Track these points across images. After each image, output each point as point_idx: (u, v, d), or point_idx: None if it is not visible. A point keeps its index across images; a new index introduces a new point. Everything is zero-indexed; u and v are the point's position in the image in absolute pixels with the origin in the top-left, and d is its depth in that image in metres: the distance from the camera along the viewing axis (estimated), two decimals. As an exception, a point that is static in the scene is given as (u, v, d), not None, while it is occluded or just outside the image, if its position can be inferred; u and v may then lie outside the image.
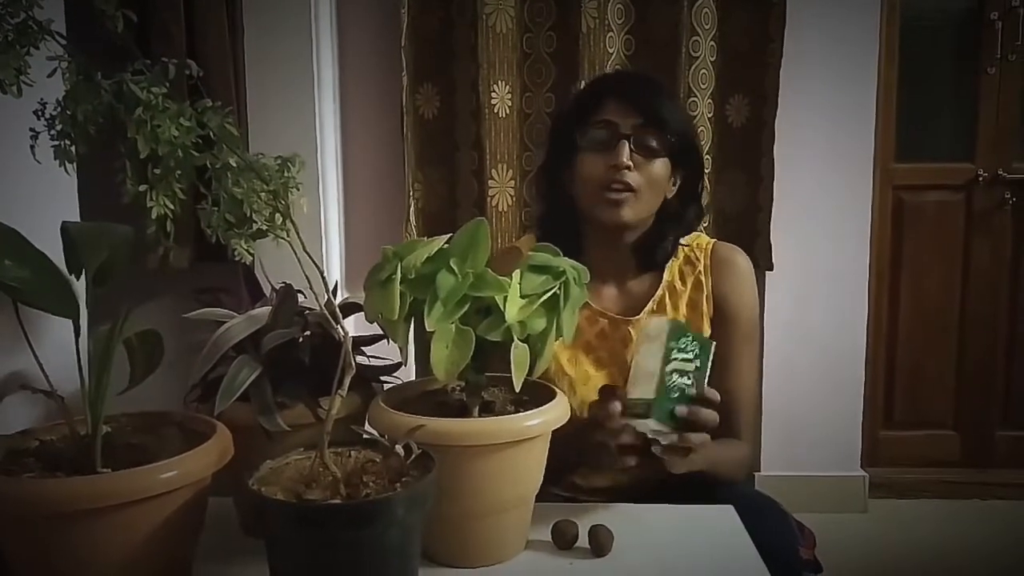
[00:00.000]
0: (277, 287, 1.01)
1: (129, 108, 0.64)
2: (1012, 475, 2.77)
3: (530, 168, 2.29)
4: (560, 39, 2.29)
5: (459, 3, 2.27)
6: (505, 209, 2.31)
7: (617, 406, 0.98)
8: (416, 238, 1.98)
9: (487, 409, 0.93)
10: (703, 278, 1.29)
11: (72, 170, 0.68)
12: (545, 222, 1.32)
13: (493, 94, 2.26)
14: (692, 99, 2.30)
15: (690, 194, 1.30)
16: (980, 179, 2.73)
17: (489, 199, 2.29)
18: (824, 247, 2.52)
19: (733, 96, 2.37)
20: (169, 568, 0.79)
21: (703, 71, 2.32)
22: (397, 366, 1.04)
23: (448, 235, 0.87)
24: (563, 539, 0.94)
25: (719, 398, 1.01)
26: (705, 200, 2.34)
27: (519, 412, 0.90)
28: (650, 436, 0.99)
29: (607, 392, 1.02)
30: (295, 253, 0.71)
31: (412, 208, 2.33)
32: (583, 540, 0.94)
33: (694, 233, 1.33)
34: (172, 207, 0.67)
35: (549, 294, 0.87)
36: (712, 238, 1.36)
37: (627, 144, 1.20)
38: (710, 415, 0.99)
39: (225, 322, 0.96)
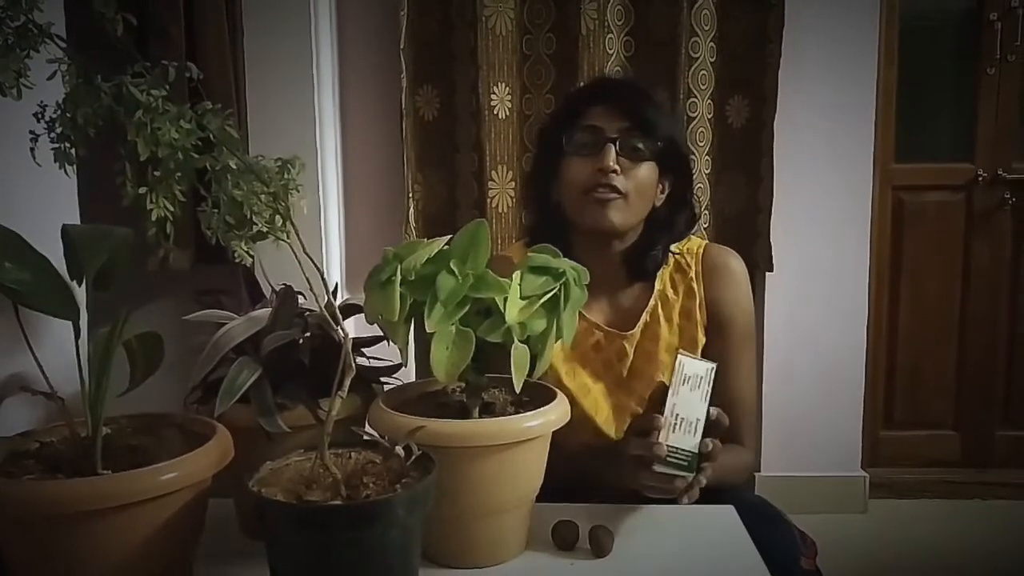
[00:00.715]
0: (277, 289, 1.01)
1: (129, 111, 0.64)
2: (1012, 475, 2.77)
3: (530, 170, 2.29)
4: (560, 41, 2.29)
5: (458, 5, 2.27)
6: (505, 210, 2.31)
7: (660, 420, 0.97)
8: (416, 239, 1.98)
9: (487, 410, 0.93)
10: (695, 285, 1.28)
11: (72, 172, 0.68)
12: (535, 231, 1.30)
13: (493, 96, 2.26)
14: (692, 100, 2.30)
15: (680, 200, 1.28)
16: (980, 179, 2.73)
17: (489, 200, 2.30)
18: (824, 248, 2.52)
19: (733, 97, 2.37)
20: (169, 570, 0.79)
21: (703, 72, 2.32)
22: (397, 367, 1.04)
23: (448, 236, 0.87)
24: (563, 540, 0.94)
25: (728, 422, 1.01)
26: (705, 201, 2.37)
27: (519, 413, 0.90)
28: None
29: (642, 425, 1.01)
30: (295, 255, 0.71)
31: (412, 210, 2.33)
32: (583, 541, 0.94)
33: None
34: (172, 209, 0.67)
35: (549, 295, 0.87)
36: (704, 240, 1.34)
37: (613, 147, 1.19)
38: (720, 448, 0.99)
39: (225, 324, 0.96)
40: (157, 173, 0.66)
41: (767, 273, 2.45)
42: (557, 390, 0.97)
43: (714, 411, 0.99)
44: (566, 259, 0.92)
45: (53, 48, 0.64)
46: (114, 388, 0.79)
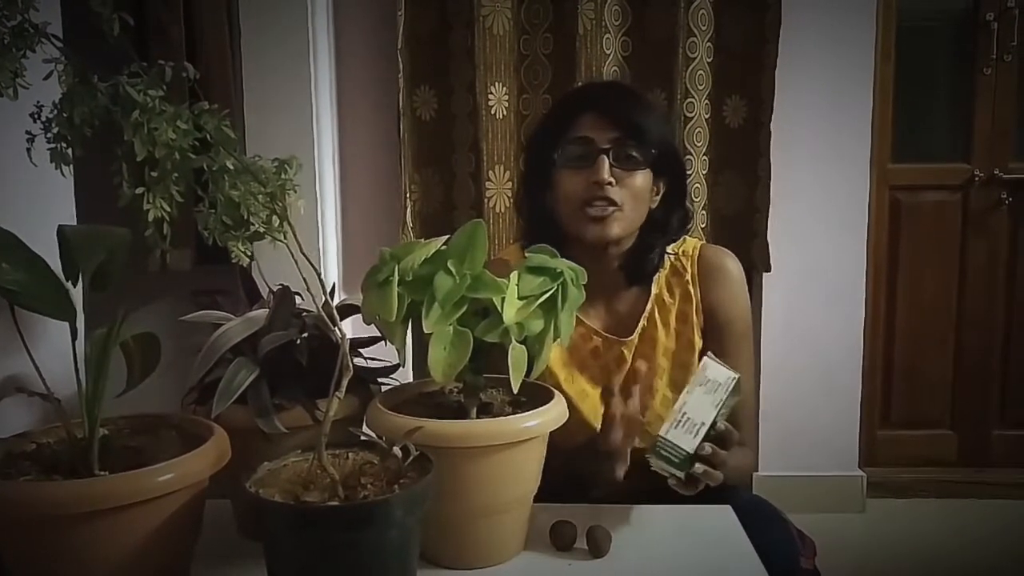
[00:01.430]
0: (274, 289, 1.01)
1: (126, 111, 0.64)
2: (1009, 474, 2.78)
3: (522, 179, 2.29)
4: (557, 41, 2.29)
5: (456, 5, 2.27)
6: (502, 211, 2.31)
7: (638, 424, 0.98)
8: (413, 240, 1.98)
9: (485, 411, 0.93)
10: (691, 288, 1.27)
11: (69, 173, 0.68)
12: (529, 237, 1.28)
13: (490, 96, 2.26)
14: (689, 100, 2.31)
15: (674, 201, 1.27)
16: (976, 179, 2.74)
17: (486, 201, 2.30)
18: (821, 248, 2.52)
19: (730, 97, 2.37)
20: (167, 571, 0.78)
21: (700, 72, 2.32)
22: (395, 368, 1.04)
23: (445, 237, 0.87)
24: (561, 540, 0.94)
25: (738, 438, 1.00)
26: (702, 202, 2.37)
27: (517, 413, 0.90)
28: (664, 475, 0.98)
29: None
30: (292, 255, 0.71)
31: (409, 210, 2.33)
32: (581, 541, 0.94)
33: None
34: (169, 210, 0.66)
35: (547, 295, 0.87)
36: (700, 240, 1.33)
37: (606, 159, 1.17)
38: (727, 458, 0.98)
39: (222, 324, 0.96)
40: (154, 173, 0.66)
41: (764, 273, 2.46)
42: (554, 390, 0.97)
43: (723, 425, 0.99)
44: (563, 259, 0.92)
45: (49, 48, 0.64)
46: (111, 389, 0.79)
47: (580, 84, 2.17)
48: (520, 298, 0.86)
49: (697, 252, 1.29)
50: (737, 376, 1.00)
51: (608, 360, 1.26)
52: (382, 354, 1.03)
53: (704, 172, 2.38)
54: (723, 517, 1.04)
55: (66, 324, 0.79)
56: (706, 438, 0.96)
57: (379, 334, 0.93)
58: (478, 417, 0.91)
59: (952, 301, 2.81)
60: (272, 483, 0.75)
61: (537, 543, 0.95)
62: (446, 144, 2.37)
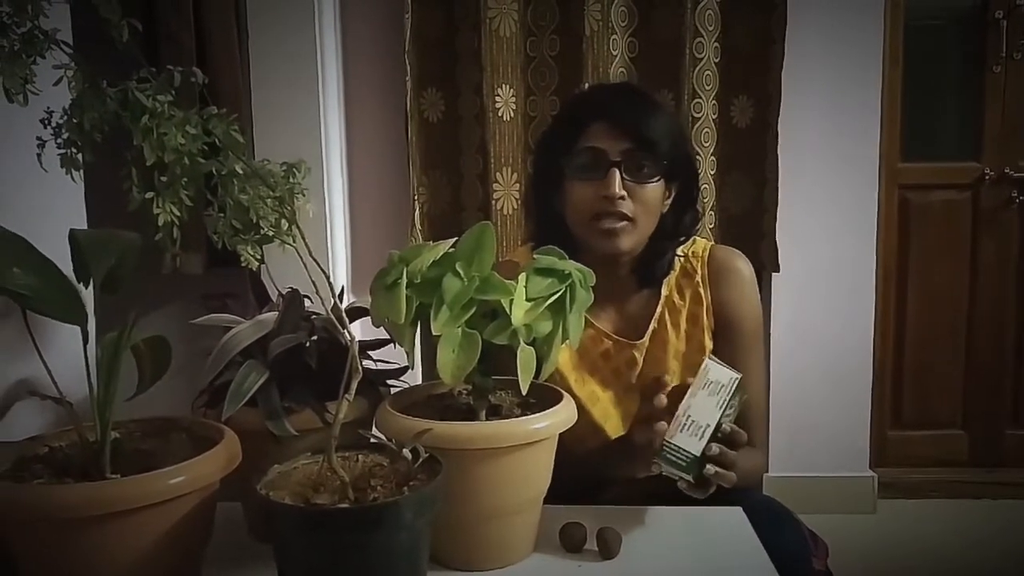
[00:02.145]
0: (284, 292, 1.01)
1: (135, 116, 0.64)
2: (1021, 475, 2.76)
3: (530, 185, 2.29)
4: (564, 42, 2.30)
5: (462, 7, 2.28)
6: (510, 212, 2.31)
7: (662, 399, 0.97)
8: (421, 242, 1.99)
9: (494, 412, 0.93)
10: (701, 290, 1.26)
11: (79, 178, 0.68)
12: (538, 239, 1.26)
13: (497, 98, 2.26)
14: (696, 101, 2.30)
15: (685, 202, 1.25)
16: (986, 178, 2.72)
17: (494, 203, 2.30)
18: (830, 248, 2.52)
19: (737, 97, 2.37)
20: (178, 573, 0.79)
21: (707, 72, 2.32)
22: (404, 370, 1.04)
23: (453, 239, 0.87)
24: (571, 542, 0.94)
25: (746, 438, 0.99)
26: (710, 202, 2.36)
27: (526, 415, 0.90)
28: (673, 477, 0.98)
29: (652, 389, 1.00)
30: (301, 258, 0.71)
31: (417, 212, 2.34)
32: (591, 542, 0.94)
33: (689, 238, 1.29)
34: (179, 214, 0.67)
35: (555, 297, 0.87)
36: (709, 240, 1.32)
37: (618, 172, 1.15)
38: (736, 458, 0.98)
39: (232, 327, 0.96)
40: (164, 178, 0.66)
41: (773, 274, 2.45)
42: (564, 392, 0.96)
43: (728, 427, 0.98)
44: (572, 261, 0.92)
45: (59, 54, 0.64)
46: (122, 392, 0.79)
47: (589, 86, 2.16)
48: (528, 300, 0.86)
49: (707, 253, 1.28)
50: (739, 376, 0.99)
51: (619, 363, 1.26)
52: (391, 356, 1.03)
53: (712, 173, 2.37)
54: (734, 518, 1.04)
55: (77, 328, 0.79)
56: (712, 439, 0.96)
57: (388, 336, 0.93)
58: (487, 419, 0.91)
59: (963, 300, 2.80)
60: (282, 485, 0.75)
61: (547, 545, 0.95)
62: (453, 146, 2.37)
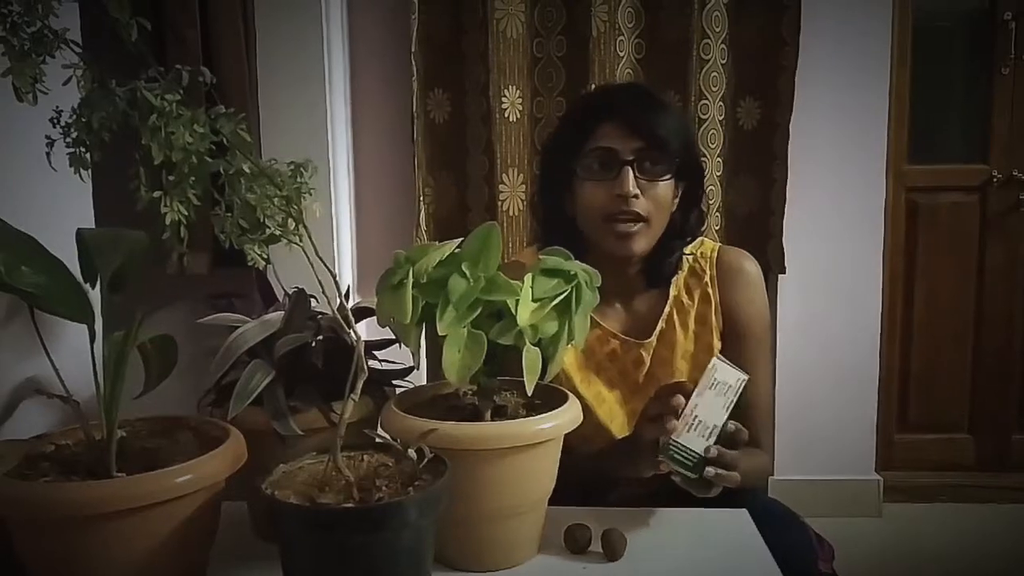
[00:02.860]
0: (290, 292, 1.02)
1: (143, 115, 0.64)
2: (1028, 479, 2.75)
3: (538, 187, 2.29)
4: (570, 43, 2.29)
5: (469, 8, 2.28)
6: (516, 213, 2.31)
7: (680, 399, 0.96)
8: (428, 242, 1.99)
9: (499, 413, 0.93)
10: (710, 290, 1.26)
11: (87, 177, 0.68)
12: (545, 240, 1.25)
13: (503, 99, 2.26)
14: (703, 102, 2.30)
15: (691, 201, 1.25)
16: (994, 180, 2.71)
17: (500, 204, 2.30)
18: (837, 250, 2.51)
19: (744, 99, 2.37)
20: (184, 571, 0.79)
21: (714, 74, 2.31)
22: (409, 370, 1.04)
23: (459, 239, 0.87)
24: (576, 543, 0.94)
25: (747, 436, 0.99)
26: (716, 204, 2.36)
27: (531, 416, 0.90)
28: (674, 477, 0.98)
29: (670, 390, 1.00)
30: (307, 258, 0.71)
31: (423, 213, 2.34)
32: (596, 544, 0.94)
33: (697, 239, 1.29)
34: (186, 213, 0.67)
35: (561, 298, 0.87)
36: (717, 242, 1.32)
37: (631, 171, 1.15)
38: (736, 457, 0.97)
39: (238, 327, 0.97)
40: (171, 177, 0.66)
41: (780, 275, 2.44)
42: (569, 393, 0.96)
43: (732, 425, 0.98)
44: (578, 262, 0.92)
45: (69, 53, 0.64)
46: (129, 391, 0.80)
47: (596, 87, 2.16)
48: (534, 300, 0.86)
49: (716, 254, 1.28)
50: (747, 377, 0.99)
51: (626, 362, 1.25)
52: (397, 356, 1.03)
53: (719, 174, 2.37)
54: (739, 520, 1.04)
55: (84, 327, 0.79)
56: (717, 440, 0.96)
57: (394, 337, 0.93)
58: (492, 419, 0.91)
59: (970, 303, 2.79)
60: (288, 485, 0.76)
61: (552, 546, 0.95)
62: (460, 147, 2.37)
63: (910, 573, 2.27)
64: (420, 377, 1.06)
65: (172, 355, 0.92)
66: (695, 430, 0.96)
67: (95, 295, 0.82)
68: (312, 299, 1.00)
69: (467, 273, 0.84)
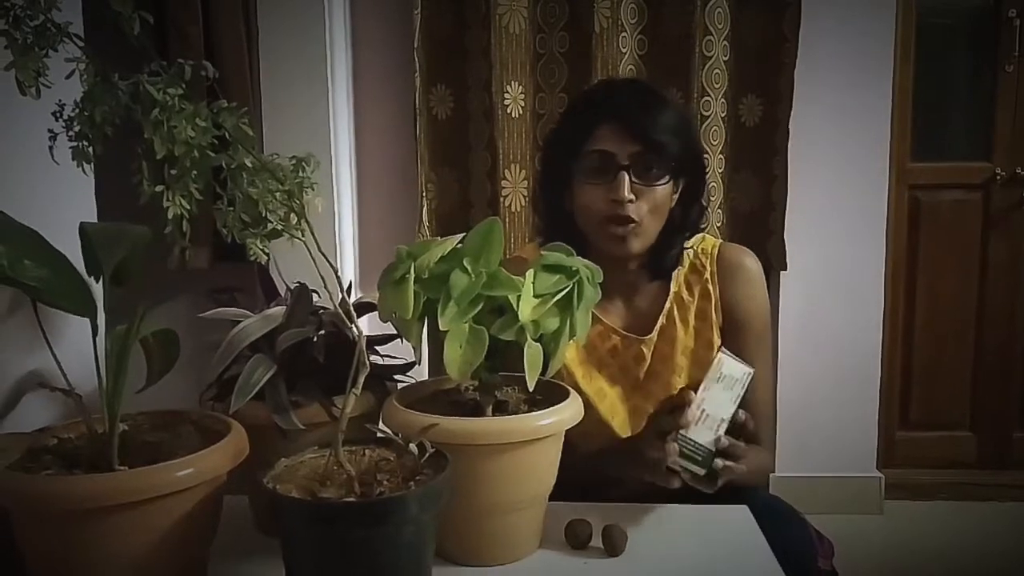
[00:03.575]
0: (292, 286, 1.02)
1: (146, 109, 0.65)
2: (1030, 477, 2.75)
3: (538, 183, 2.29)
4: (573, 39, 2.29)
5: (472, 4, 2.27)
6: (518, 209, 2.31)
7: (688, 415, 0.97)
8: (429, 238, 1.99)
9: (500, 408, 0.93)
10: (710, 286, 1.26)
11: (90, 171, 0.68)
12: (546, 236, 1.26)
13: (506, 95, 2.26)
14: (706, 99, 2.30)
15: (692, 196, 1.25)
16: (998, 178, 2.71)
17: (502, 199, 2.30)
18: (839, 247, 2.51)
19: (746, 96, 2.36)
20: (185, 565, 0.79)
21: (716, 71, 2.31)
22: (411, 365, 1.04)
23: (462, 235, 0.87)
24: (577, 538, 0.94)
25: (753, 427, 1.00)
26: (718, 200, 2.36)
27: (532, 411, 0.90)
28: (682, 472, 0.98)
29: (662, 426, 1.01)
30: (309, 253, 0.71)
31: (425, 208, 2.34)
32: (597, 539, 0.94)
33: (698, 236, 1.29)
34: (188, 207, 0.67)
35: (563, 293, 0.87)
36: (718, 239, 1.32)
37: (627, 176, 1.14)
38: (745, 449, 0.98)
39: (240, 321, 0.97)
40: (174, 171, 0.66)
41: (781, 272, 2.44)
42: (570, 388, 0.96)
43: (743, 414, 0.98)
44: (579, 258, 0.92)
45: (71, 47, 0.64)
46: (131, 385, 0.80)
47: (597, 82, 2.15)
48: (536, 296, 0.86)
49: (716, 250, 1.28)
50: (752, 371, 1.00)
51: (627, 358, 1.26)
52: (398, 352, 1.04)
53: (720, 171, 2.37)
54: (740, 517, 1.04)
55: (87, 320, 0.80)
56: (726, 432, 0.96)
57: (395, 332, 0.93)
58: (494, 415, 0.91)
59: (972, 301, 2.78)
60: (289, 479, 0.76)
61: (552, 541, 0.95)
62: (462, 143, 2.37)
63: (911, 570, 2.27)
64: (422, 372, 1.07)
65: (174, 349, 0.92)
66: (703, 423, 0.96)
67: (98, 289, 0.82)
68: (314, 294, 1.00)
69: (469, 269, 0.84)
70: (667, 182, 1.18)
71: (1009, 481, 2.74)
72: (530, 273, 0.87)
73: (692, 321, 1.26)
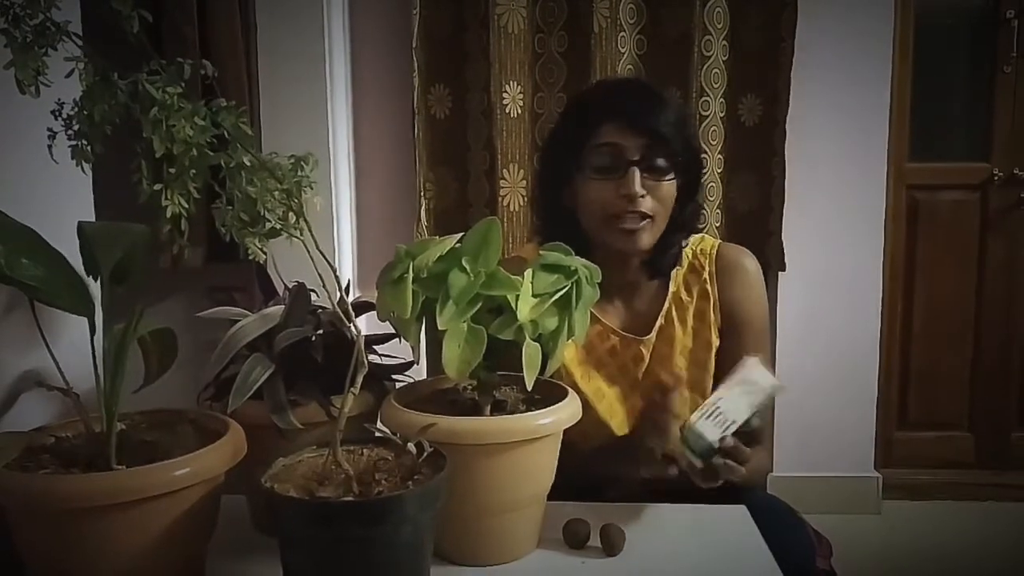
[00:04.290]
0: (290, 286, 1.02)
1: (145, 108, 0.64)
2: (1027, 477, 2.75)
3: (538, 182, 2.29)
4: (572, 39, 2.29)
5: (471, 4, 2.27)
6: (516, 209, 2.31)
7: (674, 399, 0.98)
8: (428, 237, 1.99)
9: (499, 408, 0.93)
10: (709, 287, 1.26)
11: (88, 170, 0.68)
12: (545, 236, 1.26)
13: (505, 94, 2.26)
14: (704, 98, 2.30)
15: (689, 194, 1.25)
16: (995, 179, 2.71)
17: (500, 199, 2.30)
18: (837, 247, 2.51)
19: (745, 95, 2.37)
20: (183, 565, 0.79)
21: (715, 71, 2.31)
22: (409, 364, 1.04)
23: (460, 234, 0.87)
24: (575, 538, 0.94)
25: (762, 437, 1.00)
26: (717, 200, 2.36)
27: (531, 411, 0.90)
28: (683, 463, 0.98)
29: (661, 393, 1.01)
30: (308, 252, 0.71)
31: (424, 208, 2.34)
32: (595, 539, 0.94)
33: (697, 236, 1.30)
34: (187, 206, 0.67)
35: (561, 293, 0.87)
36: (717, 239, 1.32)
37: (637, 170, 1.15)
38: (750, 455, 0.98)
39: (238, 320, 0.97)
40: (172, 170, 0.66)
41: (780, 273, 2.44)
42: (568, 388, 0.96)
43: (757, 422, 0.98)
44: (578, 257, 0.92)
45: (71, 46, 0.64)
46: (129, 384, 0.80)
47: (596, 82, 2.15)
48: (534, 296, 0.86)
49: (715, 251, 1.29)
50: (780, 385, 0.99)
51: (625, 359, 1.26)
52: (397, 351, 1.04)
53: (719, 171, 2.37)
54: (738, 517, 1.04)
55: (85, 319, 0.80)
56: (736, 435, 0.96)
57: (394, 331, 0.93)
58: (492, 414, 0.91)
59: (970, 301, 2.79)
60: (287, 479, 0.76)
61: (550, 541, 0.95)
62: (461, 142, 2.37)
63: (909, 570, 2.27)
64: (420, 372, 1.07)
65: (172, 348, 0.92)
66: (713, 419, 0.96)
67: (96, 288, 0.82)
68: (312, 293, 1.00)
69: (467, 268, 0.84)
70: (673, 179, 1.19)
71: (1007, 481, 2.75)
72: (528, 273, 0.87)
73: (691, 321, 1.26)
